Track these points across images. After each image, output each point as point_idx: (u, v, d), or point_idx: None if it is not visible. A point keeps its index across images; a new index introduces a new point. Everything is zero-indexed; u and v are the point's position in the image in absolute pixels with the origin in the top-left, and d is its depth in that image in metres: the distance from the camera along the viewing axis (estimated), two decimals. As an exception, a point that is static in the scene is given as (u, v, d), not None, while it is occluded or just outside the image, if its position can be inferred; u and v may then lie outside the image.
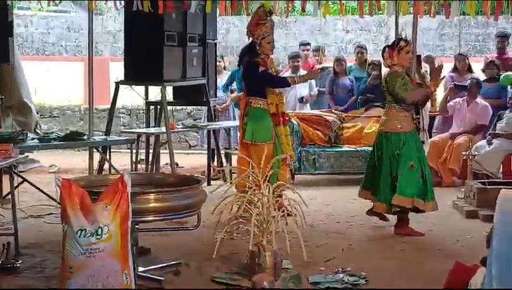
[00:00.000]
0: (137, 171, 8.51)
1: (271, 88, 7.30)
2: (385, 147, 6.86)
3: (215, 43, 9.72)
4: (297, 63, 10.49)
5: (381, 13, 14.88)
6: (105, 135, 8.69)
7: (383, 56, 7.02)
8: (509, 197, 2.90)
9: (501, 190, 3.03)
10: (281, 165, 7.14)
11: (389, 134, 6.84)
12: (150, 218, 4.87)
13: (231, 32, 15.68)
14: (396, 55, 6.81)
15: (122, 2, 8.46)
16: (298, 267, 5.49)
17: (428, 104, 9.38)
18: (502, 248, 2.91)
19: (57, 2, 8.99)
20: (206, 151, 9.89)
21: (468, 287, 3.20)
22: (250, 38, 7.43)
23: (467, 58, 10.50)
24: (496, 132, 9.17)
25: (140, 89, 9.42)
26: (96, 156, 8.51)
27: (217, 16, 10.02)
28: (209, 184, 8.95)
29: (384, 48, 7.03)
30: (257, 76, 7.22)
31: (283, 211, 5.33)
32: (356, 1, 8.87)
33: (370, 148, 9.49)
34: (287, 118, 7.58)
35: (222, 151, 9.91)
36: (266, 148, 6.98)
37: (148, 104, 9.52)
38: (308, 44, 11.85)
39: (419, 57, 9.16)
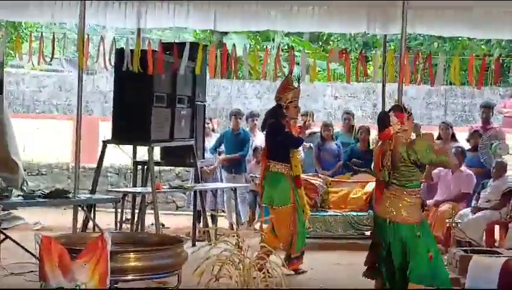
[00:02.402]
0: (121, 231, 8.49)
1: (294, 149, 7.37)
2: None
3: (204, 105, 9.82)
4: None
5: (369, 80, 15.14)
6: (91, 193, 8.68)
7: (382, 122, 6.07)
8: (479, 263, 2.93)
9: (473, 256, 3.06)
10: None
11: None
12: (130, 277, 4.85)
13: (221, 95, 15.87)
14: (406, 120, 6.03)
15: (113, 62, 8.56)
16: (278, 330, 5.45)
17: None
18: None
19: (48, 60, 9.09)
20: (192, 213, 9.89)
21: None
22: (277, 103, 7.52)
23: (451, 127, 10.60)
24: (479, 204, 9.22)
25: (129, 148, 9.47)
26: (82, 215, 8.49)
27: (207, 78, 10.16)
28: (193, 245, 8.93)
29: (384, 112, 6.32)
30: (283, 136, 7.29)
31: (264, 272, 5.34)
32: (343, 67, 9.00)
33: (355, 213, 9.62)
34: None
35: (208, 213, 9.92)
36: (285, 211, 7.02)
37: (136, 163, 9.56)
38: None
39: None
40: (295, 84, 7.53)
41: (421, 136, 10.16)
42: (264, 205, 7.29)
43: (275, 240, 7.08)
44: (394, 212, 5.88)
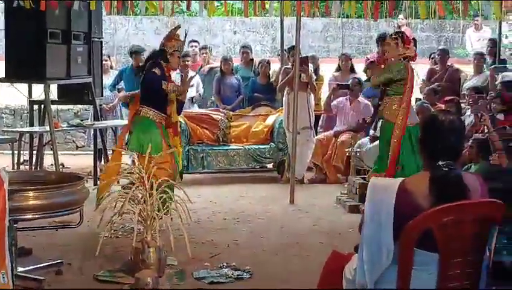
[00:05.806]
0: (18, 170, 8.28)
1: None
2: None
3: (101, 42, 9.58)
4: (187, 62, 10.49)
5: (267, 14, 15.14)
6: (-15, 134, 8.42)
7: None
8: (376, 185, 3.01)
9: (371, 179, 3.15)
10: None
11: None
12: (29, 216, 4.75)
13: (118, 32, 15.55)
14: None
15: (2, -3, 8.20)
16: (183, 264, 5.51)
17: (312, 102, 9.62)
18: (371, 233, 3.03)
19: None
20: (92, 152, 9.74)
21: (343, 274, 3.30)
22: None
23: (350, 59, 10.79)
24: (376, 133, 9.46)
25: (24, 87, 9.18)
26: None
27: (103, 14, 9.88)
28: (95, 184, 8.82)
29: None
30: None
31: (167, 207, 5.34)
32: (241, 2, 8.96)
33: (257, 146, 9.72)
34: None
35: (109, 151, 9.78)
36: (158, 159, 6.83)
37: (32, 103, 9.28)
38: (196, 41, 11.87)
39: (306, 58, 9.40)
40: (181, 38, 7.31)
41: (318, 67, 10.39)
42: (131, 151, 6.95)
43: None
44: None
